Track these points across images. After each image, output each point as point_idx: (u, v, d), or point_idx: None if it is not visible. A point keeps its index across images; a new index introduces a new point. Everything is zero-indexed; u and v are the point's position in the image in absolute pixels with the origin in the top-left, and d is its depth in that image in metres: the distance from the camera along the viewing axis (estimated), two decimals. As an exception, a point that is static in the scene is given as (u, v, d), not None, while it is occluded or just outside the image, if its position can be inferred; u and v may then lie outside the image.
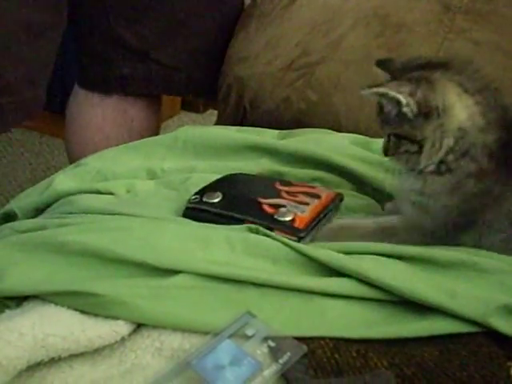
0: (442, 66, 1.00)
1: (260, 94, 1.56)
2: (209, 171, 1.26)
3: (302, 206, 1.07)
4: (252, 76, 1.58)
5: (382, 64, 1.05)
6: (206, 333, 0.90)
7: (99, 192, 1.23)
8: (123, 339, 0.92)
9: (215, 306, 0.93)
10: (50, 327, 0.85)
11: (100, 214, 1.10)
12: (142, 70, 1.66)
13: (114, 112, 1.72)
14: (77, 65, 1.76)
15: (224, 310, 0.92)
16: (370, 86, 0.98)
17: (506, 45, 1.46)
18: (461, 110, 0.96)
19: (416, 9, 1.52)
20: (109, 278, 0.95)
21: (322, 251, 0.97)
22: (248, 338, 0.89)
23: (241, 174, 1.20)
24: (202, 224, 1.05)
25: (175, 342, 0.91)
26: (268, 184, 1.14)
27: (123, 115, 1.72)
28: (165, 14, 1.62)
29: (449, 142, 0.97)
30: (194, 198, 1.09)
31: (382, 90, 0.97)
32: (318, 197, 1.10)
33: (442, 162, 0.99)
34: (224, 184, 1.15)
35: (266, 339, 0.89)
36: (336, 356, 0.86)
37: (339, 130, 1.45)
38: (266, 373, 0.85)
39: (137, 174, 1.28)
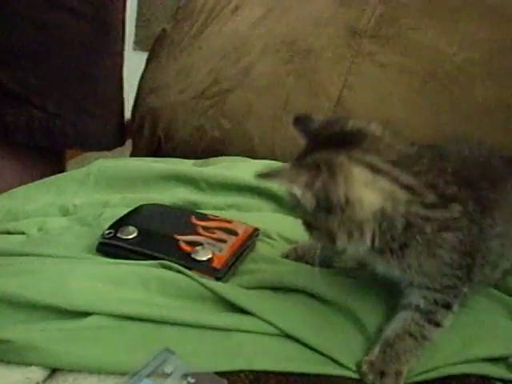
0: (356, 137, 0.86)
1: (173, 123, 1.56)
2: (122, 205, 1.24)
3: (219, 244, 1.06)
4: (165, 106, 1.58)
5: (298, 124, 0.94)
6: (123, 373, 0.88)
7: (9, 232, 1.19)
8: (37, 386, 0.89)
9: (131, 345, 0.91)
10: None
11: (10, 255, 1.07)
12: (25, 118, 1.54)
13: (9, 160, 1.63)
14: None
15: (140, 349, 0.90)
16: (264, 175, 0.84)
17: (411, 66, 1.49)
18: (371, 197, 0.81)
19: (323, 34, 1.55)
20: (20, 324, 0.91)
21: (230, 289, 0.97)
22: (167, 375, 0.88)
23: (155, 205, 1.18)
24: (115, 261, 1.02)
25: (91, 386, 0.88)
26: (184, 218, 1.13)
27: (19, 163, 1.63)
28: (47, 59, 1.54)
29: (369, 230, 0.84)
30: (107, 232, 1.07)
31: (276, 181, 0.85)
32: (235, 233, 1.09)
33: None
34: (138, 217, 1.12)
35: (185, 376, 0.87)
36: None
37: (254, 157, 1.46)
38: (187, 412, 0.83)
39: (49, 211, 1.25)
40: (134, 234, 1.06)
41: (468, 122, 1.44)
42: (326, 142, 0.86)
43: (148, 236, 1.07)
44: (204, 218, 1.13)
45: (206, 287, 0.97)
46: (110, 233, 1.07)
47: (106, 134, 1.64)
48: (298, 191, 0.82)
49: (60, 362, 0.89)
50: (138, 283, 0.97)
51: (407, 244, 0.86)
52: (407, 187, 0.83)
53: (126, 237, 1.06)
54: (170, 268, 1.00)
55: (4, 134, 1.55)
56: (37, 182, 1.34)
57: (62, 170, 1.74)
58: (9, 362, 0.88)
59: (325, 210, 0.82)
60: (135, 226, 1.08)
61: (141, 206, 1.16)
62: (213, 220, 1.13)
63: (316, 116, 0.95)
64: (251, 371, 0.88)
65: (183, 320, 0.92)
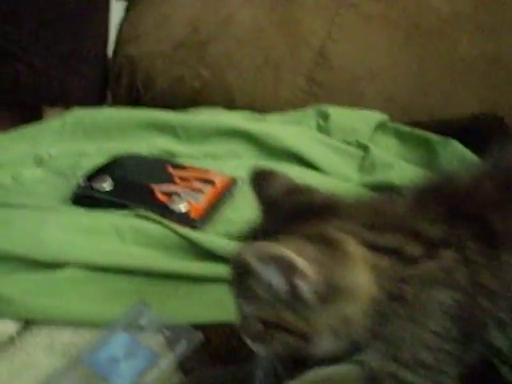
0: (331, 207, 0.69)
1: (152, 73, 1.52)
2: (98, 155, 1.21)
3: (196, 194, 1.04)
4: (143, 55, 1.53)
5: (257, 181, 0.76)
6: (98, 326, 0.87)
7: (-18, 183, 1.16)
8: (12, 338, 0.87)
9: (106, 297, 0.90)
10: None
11: (-17, 205, 1.05)
12: (11, 74, 1.48)
13: None
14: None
15: (115, 301, 0.89)
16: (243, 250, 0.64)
17: (396, 18, 1.46)
18: (367, 280, 0.63)
19: (306, -17, 1.51)
20: (-9, 275, 0.90)
21: (208, 238, 0.95)
22: (142, 328, 0.87)
23: (130, 155, 1.16)
24: (89, 212, 1.01)
25: (66, 338, 0.87)
26: (160, 167, 1.11)
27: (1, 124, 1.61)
28: (34, 14, 1.50)
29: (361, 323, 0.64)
30: (82, 183, 1.04)
31: (271, 250, 0.61)
32: (211, 183, 1.07)
33: None
34: (114, 168, 1.10)
35: (160, 329, 0.87)
36: (233, 342, 0.85)
37: (235, 108, 1.43)
38: (163, 363, 0.82)
39: (23, 161, 1.22)
40: (109, 185, 1.04)
41: (452, 76, 1.42)
42: (301, 214, 0.68)
43: (123, 186, 1.05)
44: (180, 167, 1.11)
45: (182, 236, 0.95)
46: (85, 183, 1.04)
47: (91, 91, 1.60)
48: (303, 265, 0.61)
49: (34, 315, 0.88)
50: (112, 233, 0.95)
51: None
52: (394, 252, 0.65)
53: (101, 187, 1.04)
54: (146, 218, 0.98)
55: None
56: (11, 132, 1.30)
57: None
58: (-19, 315, 0.87)
59: (322, 297, 0.63)
60: (110, 177, 1.06)
61: (116, 157, 1.14)
62: (189, 170, 1.10)
63: (281, 175, 0.76)
64: (228, 324, 0.86)
65: (159, 270, 0.91)
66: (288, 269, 0.61)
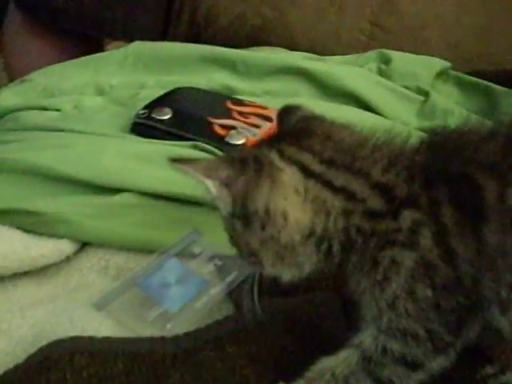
0: (299, 132, 0.68)
1: (214, 9, 1.51)
2: (158, 87, 1.21)
3: (253, 129, 1.04)
4: (206, -9, 1.53)
5: (281, 116, 0.75)
6: (152, 251, 0.89)
7: (45, 109, 1.18)
8: (68, 258, 0.90)
9: (160, 224, 0.91)
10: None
11: (44, 130, 1.07)
12: (75, 5, 1.48)
13: (52, 47, 1.60)
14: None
15: (169, 228, 0.91)
16: (177, 160, 0.70)
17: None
18: (299, 211, 0.63)
19: None
20: (51, 196, 0.92)
21: None
22: (195, 256, 0.89)
23: (191, 88, 1.16)
24: (147, 140, 1.02)
25: (121, 261, 0.90)
26: (219, 102, 1.11)
27: (63, 52, 1.61)
28: None
29: (305, 255, 0.65)
30: (142, 112, 1.06)
31: (189, 169, 0.67)
32: (269, 119, 1.07)
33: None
34: (173, 99, 1.11)
35: (212, 258, 0.88)
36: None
37: (295, 49, 1.42)
38: (213, 291, 0.84)
39: (84, 89, 1.23)
40: (169, 115, 1.05)
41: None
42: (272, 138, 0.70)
43: (182, 117, 1.06)
44: (239, 102, 1.11)
45: None
46: (145, 113, 1.06)
47: (153, 26, 1.60)
48: (211, 187, 0.65)
49: (90, 237, 0.91)
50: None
51: (352, 271, 0.65)
52: (344, 191, 0.63)
53: (160, 117, 1.05)
54: (203, 149, 0.99)
55: (52, 20, 1.52)
56: (73, 61, 1.32)
57: None
58: (41, 234, 0.90)
59: (243, 220, 0.64)
60: (170, 107, 1.06)
61: (176, 89, 1.14)
62: (248, 105, 1.10)
63: (304, 108, 0.74)
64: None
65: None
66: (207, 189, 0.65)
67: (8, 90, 1.25)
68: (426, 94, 1.20)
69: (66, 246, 0.89)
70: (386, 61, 1.28)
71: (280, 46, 1.43)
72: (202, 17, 1.53)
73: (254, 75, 1.24)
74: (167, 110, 1.06)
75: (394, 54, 1.28)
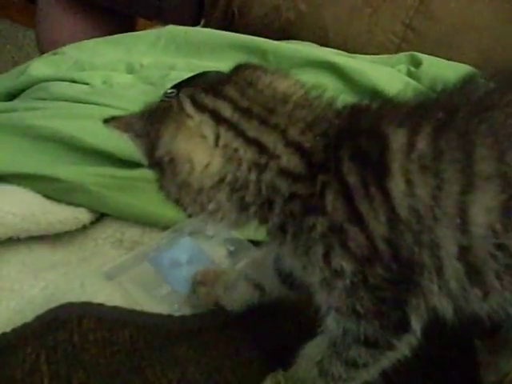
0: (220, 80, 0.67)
1: (249, 0, 1.52)
2: (188, 70, 1.22)
3: None
4: (243, -20, 1.53)
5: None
6: (167, 228, 0.90)
7: (74, 81, 1.19)
8: (84, 227, 0.92)
9: None
10: (9, 206, 0.84)
11: (73, 101, 1.08)
12: None
13: (85, 23, 1.62)
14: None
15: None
16: (108, 121, 0.73)
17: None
18: (203, 156, 0.62)
19: None
20: (73, 165, 0.94)
21: None
22: (208, 238, 0.89)
23: (218, 72, 1.16)
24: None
25: (136, 235, 0.91)
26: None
27: (95, 28, 1.63)
28: None
29: (217, 201, 0.63)
30: (170, 91, 1.06)
31: (111, 126, 0.71)
32: None
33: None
34: (201, 82, 1.11)
35: (225, 242, 0.89)
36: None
37: (326, 45, 1.42)
38: (222, 276, 0.85)
39: (115, 66, 1.25)
40: (197, 96, 1.06)
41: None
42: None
43: None
44: None
45: None
46: (173, 92, 1.06)
47: (187, 10, 1.62)
48: (129, 140, 0.67)
49: (107, 208, 0.92)
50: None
51: (280, 225, 0.63)
52: (256, 143, 0.61)
53: (187, 98, 1.05)
54: None
55: None
56: (107, 38, 1.33)
57: None
58: (60, 201, 0.91)
59: (157, 168, 0.65)
60: (197, 90, 1.07)
61: (204, 72, 1.15)
62: None
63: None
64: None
65: None
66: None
67: (39, 61, 1.27)
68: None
69: (83, 215, 0.90)
70: (417, 63, 1.28)
71: (312, 42, 1.43)
72: (236, 6, 1.54)
73: (283, 66, 1.24)
74: (195, 91, 1.06)
75: (425, 58, 1.28)
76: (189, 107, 0.63)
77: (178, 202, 0.66)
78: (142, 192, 0.92)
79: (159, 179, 0.65)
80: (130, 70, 1.25)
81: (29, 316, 0.74)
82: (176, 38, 1.30)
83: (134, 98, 1.11)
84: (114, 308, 0.76)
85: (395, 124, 0.59)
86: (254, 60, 1.24)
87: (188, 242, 0.88)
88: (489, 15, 1.40)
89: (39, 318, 0.73)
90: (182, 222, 0.89)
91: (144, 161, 0.66)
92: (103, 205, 0.92)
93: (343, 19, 1.44)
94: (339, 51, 1.34)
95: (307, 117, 0.62)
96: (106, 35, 1.37)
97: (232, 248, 0.88)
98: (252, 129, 0.61)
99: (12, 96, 1.21)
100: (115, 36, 1.34)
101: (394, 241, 0.57)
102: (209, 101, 0.63)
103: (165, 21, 1.46)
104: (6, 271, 0.82)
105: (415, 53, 1.31)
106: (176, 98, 0.66)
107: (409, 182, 0.56)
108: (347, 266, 0.58)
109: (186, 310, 0.79)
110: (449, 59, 1.31)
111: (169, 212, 0.90)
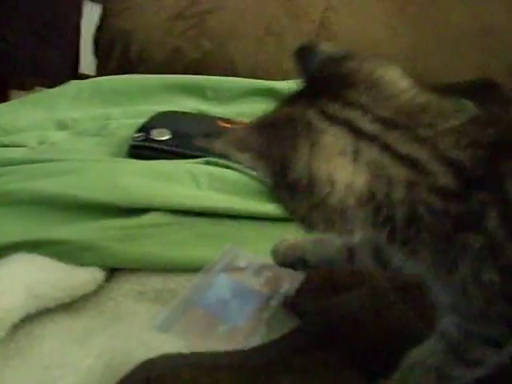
0: (341, 83, 0.59)
1: (148, 45, 1.49)
2: (126, 117, 1.17)
3: None
4: (138, 28, 1.50)
5: (299, 57, 0.65)
6: (188, 270, 0.83)
7: (6, 146, 1.10)
8: (101, 287, 0.82)
9: (193, 241, 0.87)
10: (36, 274, 0.74)
11: (24, 164, 0.98)
12: None
13: None
14: None
15: (203, 244, 0.86)
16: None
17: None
18: (348, 174, 0.55)
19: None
20: (72, 224, 0.85)
21: None
22: (242, 269, 0.84)
23: (175, 111, 1.13)
24: (158, 161, 0.97)
25: (158, 284, 0.83)
26: (210, 121, 1.09)
27: None
28: None
29: (356, 220, 0.57)
30: (137, 136, 1.01)
31: (218, 145, 0.58)
32: None
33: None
34: (165, 121, 1.07)
35: (260, 269, 0.84)
36: (333, 276, 0.84)
37: (236, 77, 1.42)
38: (273, 302, 0.80)
39: (44, 125, 1.16)
40: (168, 136, 1.02)
41: (445, 45, 1.47)
42: (308, 90, 0.61)
43: (181, 137, 1.03)
44: (229, 121, 1.09)
45: (257, 180, 0.93)
46: (141, 136, 1.01)
47: (63, 64, 1.56)
48: (246, 162, 0.58)
49: (121, 261, 0.84)
50: (188, 179, 0.93)
51: (417, 244, 0.58)
52: (408, 160, 0.55)
53: (160, 138, 1.01)
54: (216, 164, 0.96)
55: None
56: (20, 99, 1.25)
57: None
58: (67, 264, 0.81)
59: (287, 189, 0.57)
60: (167, 129, 1.02)
61: (162, 113, 1.11)
62: (238, 123, 1.09)
63: (324, 46, 0.65)
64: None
65: (243, 211, 0.89)
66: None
67: None
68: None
69: (99, 274, 0.82)
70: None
71: (221, 75, 1.43)
72: (134, 53, 1.50)
73: (224, 99, 1.23)
74: (165, 131, 1.02)
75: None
76: (319, 120, 0.55)
77: (303, 220, 0.58)
78: (154, 238, 0.85)
79: (286, 200, 0.58)
80: (62, 126, 1.18)
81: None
82: (99, 88, 1.25)
83: (91, 149, 1.05)
84: (198, 354, 0.68)
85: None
86: (192, 98, 1.23)
87: (225, 279, 0.82)
88: (386, 31, 1.48)
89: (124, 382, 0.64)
90: (204, 261, 0.83)
91: (270, 183, 0.58)
92: (116, 259, 0.83)
93: (250, 51, 1.46)
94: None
95: (451, 125, 0.56)
96: None
97: (270, 274, 0.84)
98: (400, 142, 0.55)
99: None
100: (29, 97, 1.26)
101: None
102: (339, 111, 0.56)
103: (41, 76, 1.41)
104: (48, 347, 0.71)
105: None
106: (297, 109, 0.57)
107: None
108: (496, 278, 0.56)
109: (253, 341, 0.74)
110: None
111: (187, 254, 0.85)
